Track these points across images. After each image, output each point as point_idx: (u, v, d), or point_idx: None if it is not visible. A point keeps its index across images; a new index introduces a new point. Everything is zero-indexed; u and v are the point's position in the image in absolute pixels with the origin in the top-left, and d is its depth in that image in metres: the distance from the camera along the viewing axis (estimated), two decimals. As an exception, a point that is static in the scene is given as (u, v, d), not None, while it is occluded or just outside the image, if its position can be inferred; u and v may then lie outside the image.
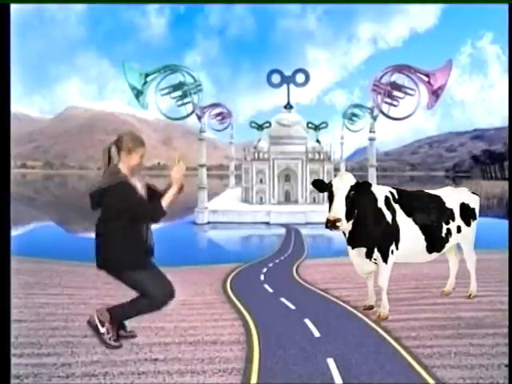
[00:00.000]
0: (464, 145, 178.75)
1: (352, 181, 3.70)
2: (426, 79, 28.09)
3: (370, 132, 31.50)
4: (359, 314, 4.20)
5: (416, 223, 4.12)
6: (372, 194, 3.94)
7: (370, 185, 3.83)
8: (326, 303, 4.84)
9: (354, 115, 36.06)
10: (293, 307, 4.55)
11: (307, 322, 3.89)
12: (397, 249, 4.02)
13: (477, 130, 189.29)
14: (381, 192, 4.03)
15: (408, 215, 4.09)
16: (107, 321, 3.12)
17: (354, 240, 3.96)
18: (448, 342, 3.36)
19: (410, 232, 4.08)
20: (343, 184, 3.67)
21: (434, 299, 4.67)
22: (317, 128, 35.13)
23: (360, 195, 3.71)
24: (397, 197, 4.10)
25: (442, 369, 2.90)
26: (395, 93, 29.18)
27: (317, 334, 3.57)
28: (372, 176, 30.97)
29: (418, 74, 28.52)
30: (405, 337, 3.51)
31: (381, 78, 29.35)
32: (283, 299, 4.93)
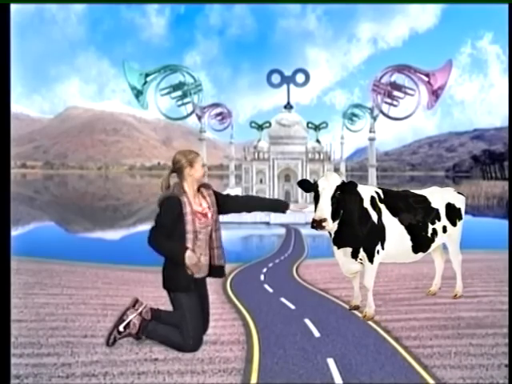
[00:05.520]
0: (464, 145, 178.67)
1: (338, 181, 3.70)
2: (426, 79, 28.13)
3: (370, 132, 31.57)
4: (359, 314, 4.20)
5: (402, 223, 4.11)
6: (358, 194, 3.94)
7: (356, 185, 3.83)
8: (326, 303, 4.84)
9: (354, 115, 36.03)
10: (293, 307, 4.55)
11: (307, 321, 3.89)
12: (382, 249, 4.02)
13: (477, 130, 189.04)
14: (366, 192, 4.03)
15: (394, 215, 4.08)
16: (140, 321, 3.16)
17: (339, 240, 3.96)
18: (448, 342, 3.36)
19: (395, 232, 4.07)
20: (329, 184, 3.66)
21: (434, 299, 4.66)
22: (317, 128, 35.12)
23: (346, 195, 3.72)
24: (382, 197, 4.10)
25: (442, 369, 2.89)
26: (395, 93, 29.24)
27: (317, 333, 3.57)
28: (372, 176, 31.01)
29: (418, 74, 28.57)
30: (405, 337, 3.51)
31: (381, 78, 29.41)
32: (283, 299, 4.93)
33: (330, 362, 2.98)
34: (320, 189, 3.66)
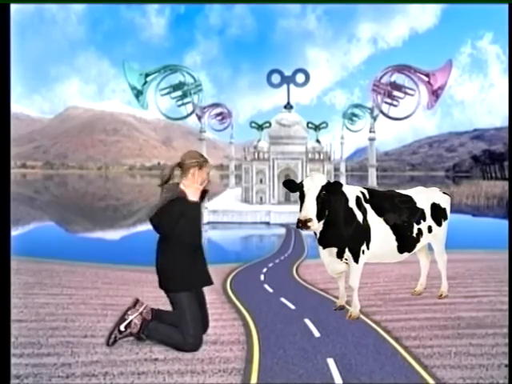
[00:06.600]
0: (464, 145, 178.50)
1: (323, 181, 3.71)
2: (426, 79, 28.14)
3: (370, 132, 31.58)
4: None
5: (387, 223, 4.11)
6: (343, 194, 3.94)
7: (341, 185, 3.85)
8: (326, 303, 4.84)
9: (354, 115, 36.04)
10: (293, 307, 4.55)
11: (307, 321, 3.89)
12: (368, 249, 4.02)
13: (477, 130, 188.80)
14: (352, 192, 4.03)
15: (379, 215, 4.08)
16: (141, 321, 3.17)
17: (325, 240, 3.96)
18: (448, 342, 3.36)
19: (380, 232, 4.07)
20: (314, 184, 3.67)
21: (434, 299, 4.67)
22: (317, 128, 35.13)
23: (331, 195, 3.73)
24: (368, 197, 4.10)
25: (442, 369, 2.89)
26: (395, 93, 29.25)
27: (317, 333, 3.57)
28: (372, 176, 31.02)
29: (418, 74, 28.58)
30: (405, 337, 3.51)
31: (381, 78, 29.43)
32: (283, 299, 4.93)
33: (330, 361, 2.98)
34: (305, 189, 3.67)
